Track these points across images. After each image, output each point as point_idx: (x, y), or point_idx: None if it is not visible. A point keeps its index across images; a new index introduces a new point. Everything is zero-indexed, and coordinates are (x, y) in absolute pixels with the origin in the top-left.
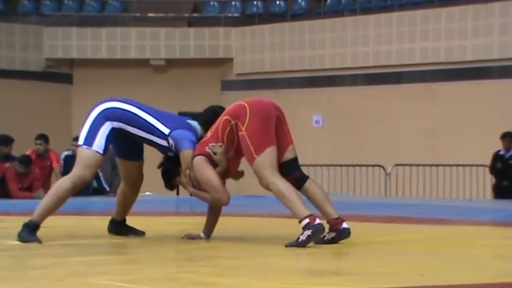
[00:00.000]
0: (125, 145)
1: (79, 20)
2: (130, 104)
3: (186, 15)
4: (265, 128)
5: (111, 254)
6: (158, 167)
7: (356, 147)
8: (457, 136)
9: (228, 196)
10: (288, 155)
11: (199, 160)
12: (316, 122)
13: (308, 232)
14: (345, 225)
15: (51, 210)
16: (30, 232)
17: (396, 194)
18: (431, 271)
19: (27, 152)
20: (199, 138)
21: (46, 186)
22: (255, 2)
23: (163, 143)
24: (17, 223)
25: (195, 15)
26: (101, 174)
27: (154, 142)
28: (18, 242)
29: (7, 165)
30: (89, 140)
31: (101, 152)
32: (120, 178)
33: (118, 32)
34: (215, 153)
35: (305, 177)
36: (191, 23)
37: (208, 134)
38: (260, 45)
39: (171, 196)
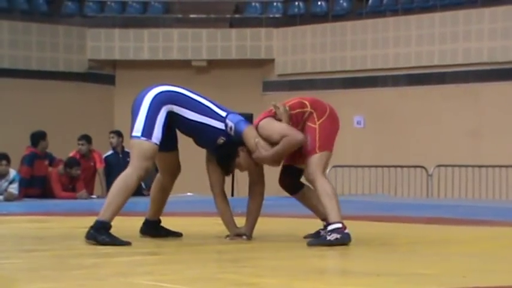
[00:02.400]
0: (163, 137)
1: (121, 22)
2: (182, 88)
3: (228, 16)
4: (333, 134)
5: (153, 254)
6: (217, 155)
7: (398, 148)
8: (499, 137)
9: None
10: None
11: (266, 120)
12: (358, 123)
13: (337, 235)
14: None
15: (121, 208)
16: (110, 234)
17: (438, 195)
18: (474, 273)
19: (71, 154)
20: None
21: (90, 187)
22: (296, 3)
23: (221, 125)
24: (60, 223)
25: (236, 16)
26: None
27: (210, 126)
28: (61, 243)
29: (50, 168)
30: (147, 131)
31: (159, 143)
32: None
33: (160, 33)
34: (278, 108)
35: (301, 184)
36: (233, 23)
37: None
38: (301, 46)
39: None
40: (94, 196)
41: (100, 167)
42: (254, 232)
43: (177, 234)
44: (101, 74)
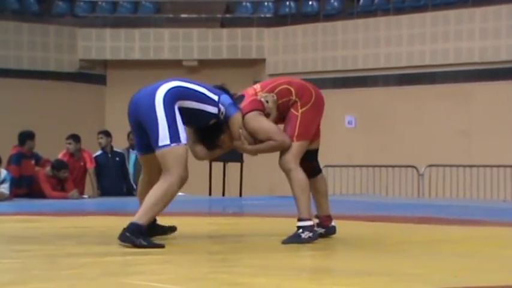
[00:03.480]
0: (145, 138)
1: (112, 21)
2: (179, 80)
3: (219, 16)
4: (315, 123)
5: (145, 254)
6: (204, 130)
7: (389, 148)
8: (491, 137)
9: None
10: (314, 145)
11: (253, 114)
12: (349, 123)
13: (309, 234)
14: (333, 223)
15: (158, 213)
16: (146, 238)
17: (429, 195)
18: (465, 272)
19: (61, 154)
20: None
21: (80, 187)
22: (287, 3)
23: (214, 110)
24: (51, 223)
25: (227, 15)
26: (131, 171)
27: (205, 111)
28: (52, 242)
29: (36, 167)
30: (175, 136)
31: (186, 141)
32: None
33: (151, 33)
34: (267, 102)
35: (319, 170)
36: (224, 23)
37: (259, 90)
38: (293, 46)
39: (203, 196)
40: (85, 196)
41: (90, 167)
42: (246, 231)
43: (172, 229)
44: (92, 74)
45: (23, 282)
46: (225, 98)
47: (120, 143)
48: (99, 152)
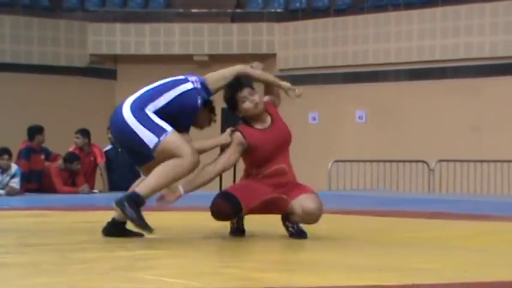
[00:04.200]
0: (135, 152)
1: (123, 16)
2: (139, 89)
3: (229, 10)
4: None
5: (155, 248)
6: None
7: (399, 143)
8: (501, 132)
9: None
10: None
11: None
12: (360, 118)
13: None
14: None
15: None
16: (139, 211)
17: (440, 190)
18: (476, 267)
19: (71, 148)
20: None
21: (91, 182)
22: None
23: (189, 86)
24: (61, 218)
25: (238, 10)
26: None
27: (182, 92)
28: (63, 237)
29: (46, 162)
30: (158, 129)
31: (174, 130)
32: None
33: (161, 28)
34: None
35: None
36: (234, 18)
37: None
38: (303, 41)
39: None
40: (96, 191)
41: (101, 161)
42: (255, 228)
43: (140, 235)
44: (102, 69)
45: (34, 276)
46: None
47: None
48: (109, 147)
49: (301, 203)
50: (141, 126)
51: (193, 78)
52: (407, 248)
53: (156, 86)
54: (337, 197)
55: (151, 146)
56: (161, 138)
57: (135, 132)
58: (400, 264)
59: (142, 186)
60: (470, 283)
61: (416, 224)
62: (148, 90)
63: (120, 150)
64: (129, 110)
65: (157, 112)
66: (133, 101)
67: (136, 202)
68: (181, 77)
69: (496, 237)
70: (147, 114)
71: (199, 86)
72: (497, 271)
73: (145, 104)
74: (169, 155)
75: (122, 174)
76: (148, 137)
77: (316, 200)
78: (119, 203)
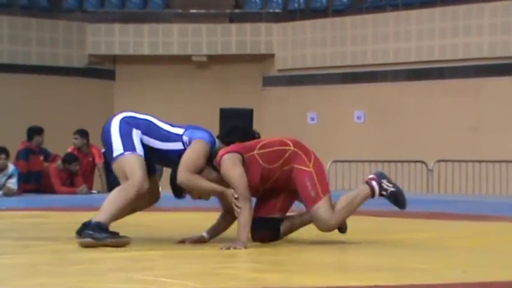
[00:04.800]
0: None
1: (121, 17)
2: (142, 114)
3: (228, 11)
4: (325, 176)
5: (153, 249)
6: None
7: (398, 143)
8: (500, 132)
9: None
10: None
11: (232, 159)
12: (358, 118)
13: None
14: None
15: (119, 213)
16: (108, 231)
17: (438, 190)
18: (474, 268)
19: (69, 149)
20: (215, 151)
21: (89, 182)
22: None
23: (179, 146)
24: (59, 218)
25: (236, 11)
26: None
27: (172, 150)
28: (61, 238)
29: (46, 163)
30: (128, 146)
31: (143, 156)
32: (160, 175)
33: (160, 29)
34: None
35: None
36: (233, 19)
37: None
38: (301, 41)
39: None
40: (94, 191)
41: (99, 162)
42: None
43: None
44: (101, 69)
45: (32, 277)
46: (195, 130)
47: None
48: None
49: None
50: (118, 135)
51: (186, 138)
52: (405, 248)
53: (155, 126)
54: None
55: (114, 154)
56: (125, 153)
57: (110, 136)
58: (398, 264)
59: (98, 213)
60: (469, 283)
61: (414, 224)
62: (149, 122)
63: None
64: (120, 118)
65: (141, 141)
66: (130, 116)
67: (100, 228)
68: (180, 131)
69: (494, 237)
70: (131, 132)
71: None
72: (496, 271)
73: (137, 128)
74: (123, 172)
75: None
76: (117, 146)
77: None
78: (86, 235)
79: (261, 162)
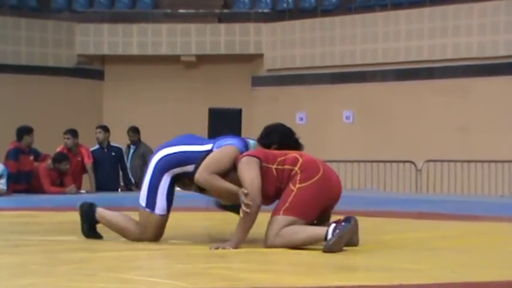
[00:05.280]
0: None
1: (110, 17)
2: (178, 144)
3: (217, 11)
4: (316, 202)
5: (143, 249)
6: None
7: (387, 143)
8: (489, 132)
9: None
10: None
11: (248, 159)
12: (347, 118)
13: (340, 227)
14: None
15: (109, 227)
16: (92, 226)
17: (427, 190)
18: (463, 267)
19: (58, 148)
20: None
21: (78, 182)
22: None
23: None
24: (49, 218)
25: (225, 11)
26: (128, 166)
27: None
28: (50, 238)
29: (36, 163)
30: (151, 202)
31: (164, 213)
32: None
33: (149, 28)
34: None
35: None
36: (222, 19)
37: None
38: (290, 41)
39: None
40: (83, 191)
41: (88, 162)
42: None
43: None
44: (90, 69)
45: (22, 277)
46: (225, 139)
47: (117, 138)
48: (95, 147)
49: None
50: (147, 187)
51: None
52: (395, 248)
53: (187, 154)
54: None
55: (140, 200)
56: (147, 209)
57: (144, 182)
58: (387, 264)
59: (103, 213)
60: (458, 283)
61: (403, 224)
62: (182, 154)
63: (105, 150)
64: (154, 165)
65: (174, 176)
66: (161, 158)
67: (91, 221)
68: (209, 147)
69: (483, 237)
70: (160, 180)
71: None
72: (485, 271)
73: (170, 168)
74: (140, 219)
75: (106, 174)
76: (143, 196)
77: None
78: (81, 208)
79: (276, 177)
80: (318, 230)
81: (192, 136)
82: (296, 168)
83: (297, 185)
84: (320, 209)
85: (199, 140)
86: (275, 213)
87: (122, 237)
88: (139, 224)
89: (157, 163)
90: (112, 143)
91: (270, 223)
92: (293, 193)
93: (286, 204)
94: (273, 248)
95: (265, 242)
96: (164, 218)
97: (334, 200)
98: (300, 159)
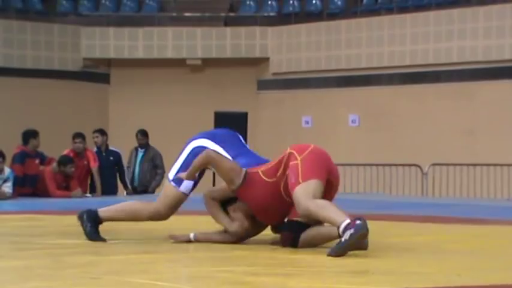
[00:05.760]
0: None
1: (116, 20)
2: (217, 142)
3: (223, 14)
4: (319, 164)
5: (148, 253)
6: None
7: (392, 147)
8: (494, 135)
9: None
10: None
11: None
12: (353, 122)
13: (350, 231)
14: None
15: (119, 219)
16: (95, 227)
17: (433, 194)
18: (469, 271)
19: (65, 152)
20: None
21: (83, 186)
22: (291, 1)
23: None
24: (54, 222)
25: (231, 14)
26: (136, 170)
27: None
28: (56, 241)
29: (41, 166)
30: (179, 180)
31: (187, 193)
32: (161, 178)
33: (155, 32)
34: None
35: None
36: (227, 22)
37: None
38: (296, 45)
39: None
40: (88, 195)
41: (94, 165)
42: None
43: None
44: (96, 73)
45: (27, 280)
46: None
47: (122, 142)
48: (93, 150)
49: None
50: (181, 162)
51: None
52: (401, 251)
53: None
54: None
55: (169, 174)
56: (172, 183)
57: (179, 157)
58: (392, 268)
59: (105, 209)
60: (464, 287)
61: (409, 228)
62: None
63: (104, 154)
64: (192, 148)
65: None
66: (204, 148)
67: (94, 219)
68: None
69: (489, 240)
70: (189, 166)
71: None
72: (491, 275)
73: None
74: (161, 192)
75: (104, 177)
76: (173, 171)
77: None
78: (80, 218)
79: (264, 178)
80: (337, 217)
81: (235, 140)
82: (287, 151)
83: (299, 158)
84: (327, 172)
85: (238, 148)
86: (295, 185)
87: (134, 222)
88: (155, 201)
89: (195, 148)
90: (111, 147)
91: (295, 197)
92: (299, 165)
93: (300, 174)
94: (307, 212)
95: (299, 208)
96: (185, 197)
97: (334, 176)
98: (288, 149)
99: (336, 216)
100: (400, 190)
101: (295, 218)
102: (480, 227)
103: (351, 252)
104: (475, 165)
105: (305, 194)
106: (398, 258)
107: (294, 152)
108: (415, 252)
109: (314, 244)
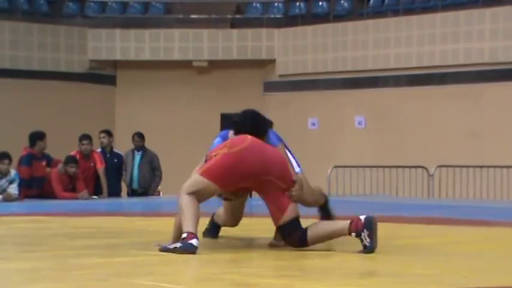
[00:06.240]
0: None
1: (122, 22)
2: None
3: (229, 16)
4: (231, 173)
5: (155, 254)
6: None
7: (399, 149)
8: (501, 137)
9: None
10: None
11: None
12: (359, 123)
13: (178, 244)
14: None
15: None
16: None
17: (439, 196)
18: (475, 273)
19: (72, 153)
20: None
21: (90, 187)
22: (297, 3)
23: None
24: (61, 224)
25: (237, 16)
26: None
27: None
28: (62, 243)
29: (48, 168)
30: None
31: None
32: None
33: (161, 34)
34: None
35: (305, 231)
36: (234, 24)
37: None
38: (303, 46)
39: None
40: (95, 197)
41: (100, 167)
42: (255, 233)
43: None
44: (102, 75)
45: (33, 282)
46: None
47: (129, 143)
48: (97, 151)
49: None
50: (293, 159)
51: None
52: (407, 253)
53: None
54: (337, 203)
55: (296, 169)
56: (197, 169)
57: (288, 157)
58: (399, 269)
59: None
60: None
61: (415, 230)
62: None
63: (108, 155)
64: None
65: None
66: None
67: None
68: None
69: (495, 242)
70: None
71: None
72: (497, 277)
73: None
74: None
75: (108, 179)
76: (295, 164)
77: None
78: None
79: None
80: (188, 226)
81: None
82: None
83: (221, 152)
84: (243, 177)
85: None
86: (197, 170)
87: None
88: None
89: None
90: (115, 150)
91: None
92: (216, 158)
93: (206, 166)
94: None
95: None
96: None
97: (276, 175)
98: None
99: (186, 224)
100: (406, 192)
101: (293, 216)
102: (486, 229)
103: (356, 255)
104: (481, 167)
105: (189, 187)
106: (405, 259)
107: (228, 144)
108: (421, 254)
109: (321, 240)
